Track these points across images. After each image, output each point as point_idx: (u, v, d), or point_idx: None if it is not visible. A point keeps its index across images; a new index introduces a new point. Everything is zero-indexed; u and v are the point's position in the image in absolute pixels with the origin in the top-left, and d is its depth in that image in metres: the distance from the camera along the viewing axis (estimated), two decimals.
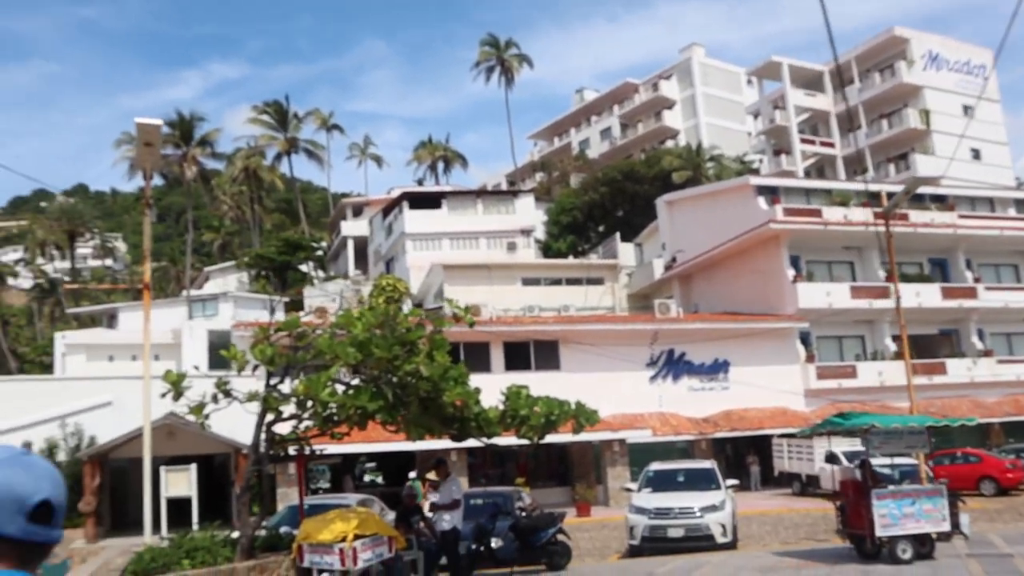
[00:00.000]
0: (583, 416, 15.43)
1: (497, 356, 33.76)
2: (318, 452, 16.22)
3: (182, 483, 21.98)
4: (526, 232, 54.85)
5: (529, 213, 56.28)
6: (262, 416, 14.96)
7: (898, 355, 36.48)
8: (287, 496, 25.82)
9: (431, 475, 17.23)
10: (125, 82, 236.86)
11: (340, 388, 14.56)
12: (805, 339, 38.00)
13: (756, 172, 61.58)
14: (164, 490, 21.38)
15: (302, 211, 76.35)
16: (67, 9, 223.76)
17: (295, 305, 45.14)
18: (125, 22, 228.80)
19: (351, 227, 68.17)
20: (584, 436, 21.30)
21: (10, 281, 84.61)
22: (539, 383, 17.51)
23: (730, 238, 39.87)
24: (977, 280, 41.28)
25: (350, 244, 67.36)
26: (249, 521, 15.22)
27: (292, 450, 15.94)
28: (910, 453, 21.19)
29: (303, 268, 61.93)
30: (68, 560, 19.29)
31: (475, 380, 15.08)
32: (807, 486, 30.87)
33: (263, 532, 16.04)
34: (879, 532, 15.28)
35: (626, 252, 51.30)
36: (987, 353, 40.44)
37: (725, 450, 34.98)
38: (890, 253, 24.57)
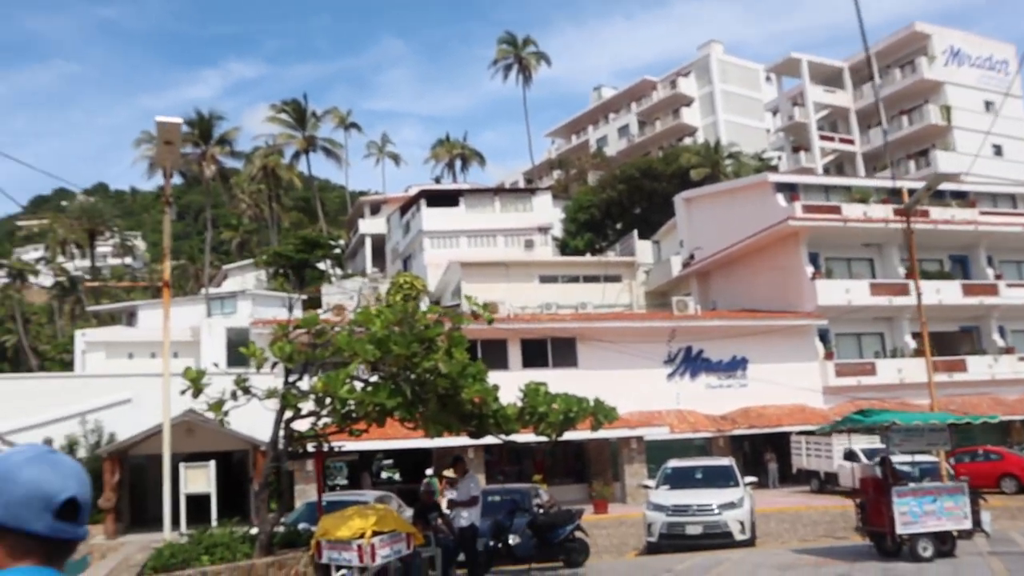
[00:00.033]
0: (601, 413, 15.39)
1: (515, 353, 33.76)
2: (336, 449, 16.26)
3: (201, 479, 22.10)
4: (543, 230, 54.79)
5: (547, 211, 56.22)
6: (281, 413, 14.99)
7: (918, 352, 36.24)
8: (305, 493, 25.90)
9: (448, 472, 17.23)
10: (144, 82, 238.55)
11: (359, 385, 14.58)
12: (824, 336, 37.80)
13: (775, 169, 61.39)
14: (183, 486, 21.50)
15: (320, 209, 76.59)
16: (87, 9, 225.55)
17: (313, 303, 45.27)
18: (144, 22, 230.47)
19: (369, 225, 68.31)
20: (601, 433, 21.30)
21: (31, 279, 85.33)
22: (556, 380, 17.48)
23: (748, 235, 39.69)
24: (998, 277, 40.93)
25: (368, 242, 67.52)
26: (268, 517, 15.26)
27: (310, 447, 15.99)
28: (931, 450, 21.03)
29: (321, 266, 62.10)
30: (88, 556, 19.44)
31: (492, 377, 15.06)
32: (825, 483, 30.71)
33: (281, 528, 16.08)
34: (900, 530, 15.18)
35: (644, 249, 51.17)
36: (1008, 350, 40.09)
37: (743, 447, 34.84)
38: (911, 250, 24.37)
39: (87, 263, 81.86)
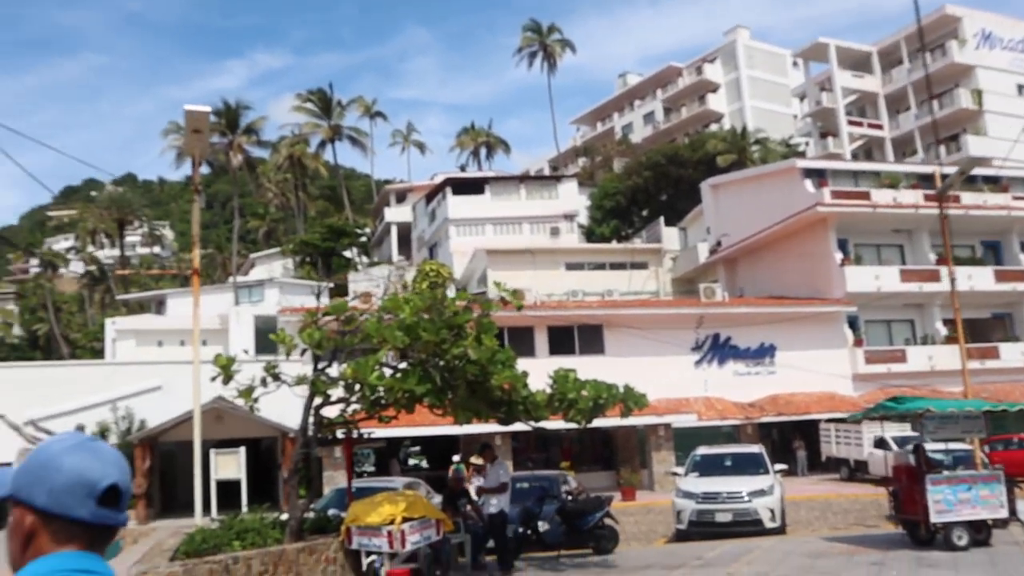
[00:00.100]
0: (631, 400, 15.31)
1: (541, 340, 33.71)
2: (365, 436, 16.30)
3: (231, 466, 22.26)
4: (569, 217, 54.63)
5: (572, 198, 56.02)
6: (310, 399, 15.03)
7: (949, 339, 35.84)
8: (333, 479, 26.02)
9: (475, 459, 17.22)
10: (171, 73, 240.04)
11: (388, 372, 14.59)
12: (853, 323, 37.45)
13: (802, 155, 60.78)
14: (214, 472, 21.65)
15: (346, 198, 76.76)
16: (115, 2, 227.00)
17: (339, 291, 45.41)
18: (170, 14, 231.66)
19: (394, 213, 68.41)
20: (629, 420, 21.20)
21: (62, 269, 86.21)
22: (584, 367, 17.38)
23: (776, 221, 39.36)
24: None
25: (394, 230, 67.64)
26: (298, 503, 15.32)
27: (340, 433, 16.04)
28: (965, 438, 20.78)
29: (347, 254, 62.29)
30: (120, 540, 19.63)
31: (520, 364, 15.03)
32: (855, 471, 30.45)
33: (311, 514, 16.15)
34: (934, 518, 15.01)
35: (670, 236, 50.89)
36: None
37: (771, 435, 34.61)
38: (944, 235, 24.07)
39: (116, 252, 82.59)
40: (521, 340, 31.31)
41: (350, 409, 15.41)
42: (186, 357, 25.50)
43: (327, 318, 15.48)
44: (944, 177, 27.69)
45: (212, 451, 21.95)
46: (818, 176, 39.37)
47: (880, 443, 27.53)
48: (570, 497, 18.27)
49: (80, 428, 23.32)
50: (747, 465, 20.62)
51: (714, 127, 71.17)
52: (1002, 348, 38.31)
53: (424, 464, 34.27)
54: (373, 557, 14.23)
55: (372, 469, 32.04)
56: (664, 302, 40.79)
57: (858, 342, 37.05)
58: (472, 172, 75.99)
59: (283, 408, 19.47)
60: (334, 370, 15.05)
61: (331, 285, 46.85)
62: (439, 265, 46.47)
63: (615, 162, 71.85)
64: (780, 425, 34.77)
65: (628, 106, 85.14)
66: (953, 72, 61.00)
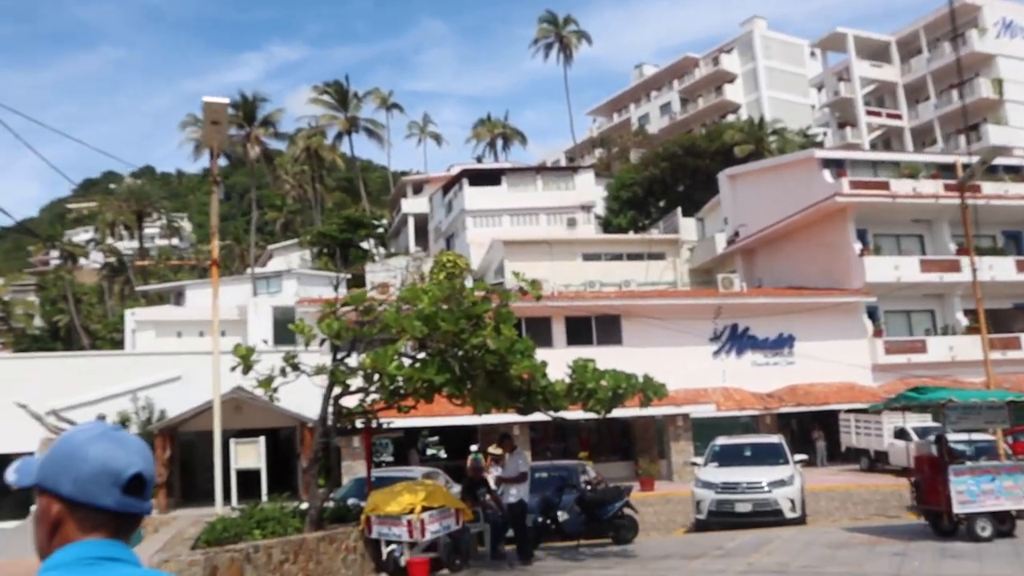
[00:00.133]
0: (651, 390, 15.28)
1: (559, 331, 33.67)
2: (385, 425, 16.32)
3: (251, 455, 22.35)
4: (586, 208, 54.49)
5: (589, 189, 55.87)
6: (329, 389, 15.07)
7: (970, 330, 35.58)
8: (352, 469, 26.09)
9: (493, 449, 17.23)
10: (188, 66, 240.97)
11: (406, 362, 14.61)
12: (872, 314, 37.21)
13: (820, 145, 60.31)
14: (234, 462, 21.74)
15: (363, 189, 76.86)
16: None
17: (357, 282, 45.51)
18: (187, 8, 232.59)
19: (411, 204, 68.47)
20: (647, 411, 21.17)
21: (82, 261, 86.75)
22: (601, 358, 17.31)
23: (794, 212, 39.12)
24: None
25: (410, 221, 67.70)
26: (317, 493, 15.39)
27: (359, 423, 16.07)
28: (988, 429, 20.62)
29: (364, 245, 62.41)
30: (141, 529, 19.76)
31: (537, 355, 15.01)
32: (875, 462, 30.29)
33: (331, 504, 16.22)
34: (957, 509, 14.90)
35: (687, 227, 50.66)
36: None
37: (790, 425, 34.47)
38: (966, 226, 23.86)
39: (135, 244, 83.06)
40: (538, 331, 31.28)
41: (369, 399, 15.45)
42: (205, 348, 25.66)
43: (346, 308, 15.51)
44: (966, 167, 27.46)
45: (232, 440, 22.03)
46: (836, 166, 39.10)
47: (900, 434, 27.38)
48: (589, 487, 18.27)
49: (101, 418, 23.46)
50: (767, 455, 20.54)
51: (731, 118, 70.76)
52: (1023, 338, 38.00)
53: (442, 454, 34.32)
54: (393, 546, 14.29)
55: (390, 459, 32.12)
56: (682, 292, 40.66)
57: (878, 332, 36.83)
58: (488, 163, 75.93)
59: (301, 398, 19.57)
60: (353, 360, 15.08)
61: (348, 276, 47.02)
62: (456, 256, 46.48)
63: (632, 153, 71.61)
64: (799, 416, 34.63)
65: (645, 97, 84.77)
66: (973, 61, 60.41)
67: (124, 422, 26.62)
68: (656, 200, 58.59)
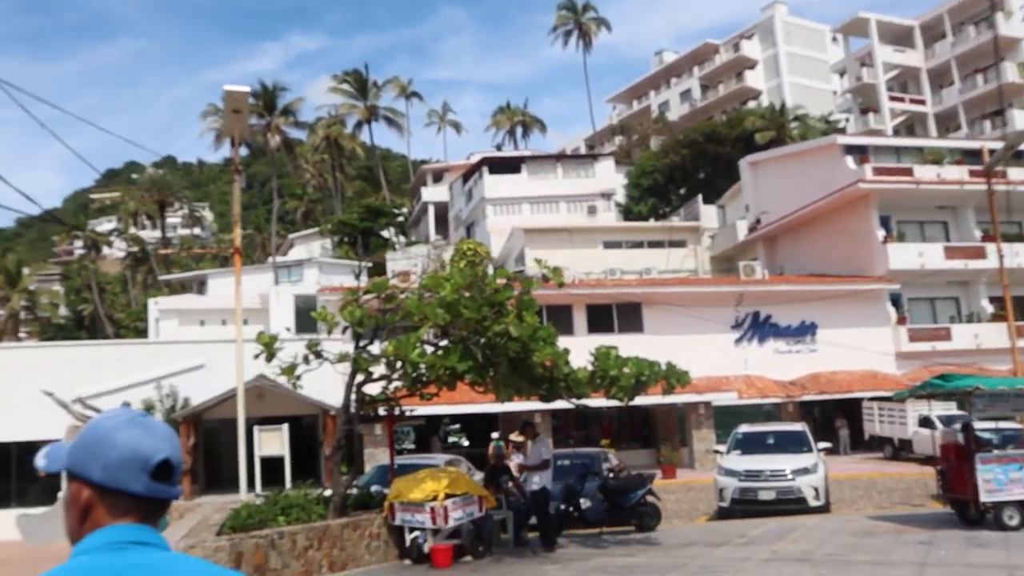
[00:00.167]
0: (674, 377, 15.21)
1: (580, 319, 33.64)
2: (407, 413, 16.36)
3: (275, 442, 22.45)
4: (606, 195, 54.35)
5: (609, 176, 55.69)
6: (352, 377, 15.11)
7: (995, 317, 35.25)
8: (374, 456, 26.20)
9: (515, 436, 17.23)
10: (208, 56, 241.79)
11: (429, 349, 14.62)
12: (896, 301, 36.91)
13: (842, 132, 59.78)
14: (257, 449, 21.84)
15: (383, 178, 76.94)
16: None
17: (377, 270, 45.59)
18: None
19: (431, 193, 68.48)
20: (669, 398, 21.10)
21: (105, 250, 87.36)
22: (623, 345, 17.23)
23: (817, 199, 38.82)
24: None
25: (431, 210, 67.71)
26: (341, 480, 15.45)
27: (381, 410, 16.11)
28: (1015, 417, 20.43)
29: (385, 234, 62.48)
30: (167, 516, 19.93)
31: (558, 342, 14.97)
32: (899, 450, 30.11)
33: (354, 491, 16.28)
34: (984, 498, 14.77)
35: (708, 214, 50.40)
36: None
37: (812, 413, 34.32)
38: (992, 212, 23.60)
39: (157, 234, 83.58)
40: (559, 318, 31.23)
41: (392, 386, 15.48)
42: (228, 336, 25.75)
43: (368, 296, 15.53)
44: (991, 152, 27.13)
45: (256, 428, 22.13)
46: (859, 152, 38.74)
47: (925, 422, 27.16)
48: (612, 474, 18.24)
49: (126, 405, 23.63)
50: (790, 443, 20.44)
51: (752, 104, 70.26)
52: None
53: (464, 442, 34.40)
54: (416, 533, 14.32)
55: (412, 447, 32.22)
56: (703, 280, 40.51)
57: (901, 320, 36.54)
58: (508, 151, 75.79)
59: (324, 386, 19.63)
60: (375, 348, 15.12)
61: (369, 265, 47.10)
62: (477, 244, 46.48)
63: (652, 140, 71.27)
64: (822, 403, 34.48)
65: (664, 84, 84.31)
66: (999, 45, 59.62)
67: (148, 410, 26.81)
68: (676, 187, 58.34)
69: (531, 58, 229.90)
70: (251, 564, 11.98)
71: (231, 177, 20.34)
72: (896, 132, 62.74)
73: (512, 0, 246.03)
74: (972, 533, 14.66)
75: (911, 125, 65.97)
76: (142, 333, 54.59)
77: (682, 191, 57.82)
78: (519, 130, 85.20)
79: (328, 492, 15.54)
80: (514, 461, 17.38)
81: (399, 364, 14.54)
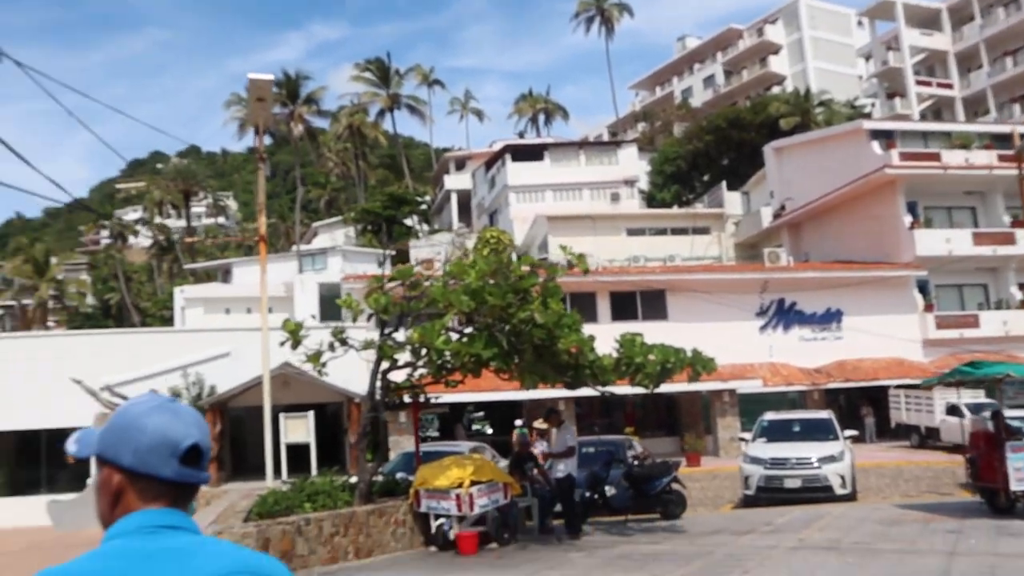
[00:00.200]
0: (699, 364, 15.14)
1: (603, 306, 33.55)
2: (432, 400, 16.38)
3: (301, 430, 22.58)
4: (630, 182, 54.10)
5: (632, 163, 55.42)
6: (377, 364, 15.14)
7: None
8: (399, 444, 26.29)
9: (539, 424, 17.23)
10: (231, 46, 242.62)
11: (454, 336, 14.62)
12: (923, 288, 36.52)
13: (868, 116, 59.19)
14: (283, 436, 21.98)
15: (405, 166, 77.03)
16: None
17: (401, 258, 45.68)
18: None
19: (454, 181, 68.47)
20: (694, 386, 21.02)
21: (131, 240, 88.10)
22: (647, 333, 17.15)
23: (842, 185, 38.44)
24: None
25: (453, 198, 67.72)
26: (366, 467, 15.51)
27: (407, 398, 16.14)
28: None
29: (408, 222, 62.62)
30: (194, 502, 20.12)
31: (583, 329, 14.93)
32: (926, 438, 29.83)
33: (379, 478, 16.34)
34: (1014, 486, 14.61)
35: (732, 201, 50.05)
36: None
37: (838, 401, 34.08)
38: (1022, 197, 23.27)
39: (182, 223, 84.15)
40: (584, 306, 31.16)
41: (417, 373, 15.50)
42: (253, 324, 25.91)
43: (392, 284, 15.54)
44: (1022, 136, 26.78)
45: (282, 415, 22.27)
46: (885, 137, 38.32)
47: (953, 410, 26.91)
48: (636, 462, 18.21)
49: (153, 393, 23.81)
50: (816, 431, 20.32)
51: (776, 89, 69.71)
52: None
53: (487, 429, 34.45)
54: (442, 520, 14.36)
55: (436, 434, 32.31)
56: (727, 267, 40.28)
57: (928, 307, 36.16)
58: (531, 139, 75.62)
59: (348, 374, 19.71)
60: (400, 335, 15.14)
61: (393, 253, 47.20)
62: (500, 232, 46.41)
63: (675, 127, 70.90)
64: (847, 391, 34.24)
65: (688, 70, 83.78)
66: None
67: (175, 397, 27.00)
68: (700, 174, 57.99)
69: (553, 45, 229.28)
70: (278, 550, 12.06)
71: (255, 166, 20.41)
72: (923, 117, 62.05)
73: None
74: (1002, 522, 14.51)
75: (938, 110, 65.21)
76: (168, 321, 55.05)
77: (706, 178, 57.49)
78: (541, 117, 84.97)
79: (354, 479, 15.61)
80: (538, 448, 17.39)
81: (424, 351, 14.56)
